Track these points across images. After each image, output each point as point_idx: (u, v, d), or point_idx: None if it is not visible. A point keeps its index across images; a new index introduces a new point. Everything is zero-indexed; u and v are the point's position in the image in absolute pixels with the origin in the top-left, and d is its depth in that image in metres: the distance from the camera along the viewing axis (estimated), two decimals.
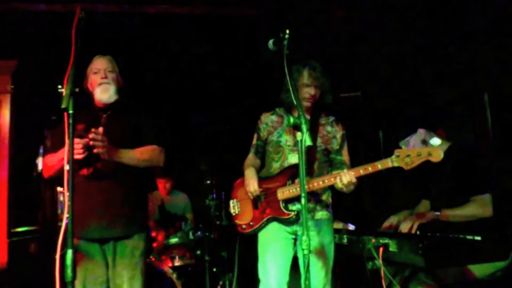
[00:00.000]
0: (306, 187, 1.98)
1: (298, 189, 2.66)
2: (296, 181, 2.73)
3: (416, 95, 4.96)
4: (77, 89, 1.87)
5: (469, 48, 4.20)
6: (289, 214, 2.70)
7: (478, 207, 2.78)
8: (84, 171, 2.66)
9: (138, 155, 2.72)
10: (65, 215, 1.81)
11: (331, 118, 2.95)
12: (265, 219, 2.79)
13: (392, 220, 3.14)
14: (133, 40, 4.42)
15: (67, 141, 1.85)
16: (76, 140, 2.49)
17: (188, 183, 5.19)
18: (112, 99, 2.80)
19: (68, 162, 1.83)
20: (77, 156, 2.50)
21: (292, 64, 2.74)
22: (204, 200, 4.22)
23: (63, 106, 1.83)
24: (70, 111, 1.84)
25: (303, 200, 1.94)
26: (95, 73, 2.82)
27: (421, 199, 3.29)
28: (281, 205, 2.74)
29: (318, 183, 2.63)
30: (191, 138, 5.61)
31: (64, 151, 2.49)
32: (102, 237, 2.69)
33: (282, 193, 2.73)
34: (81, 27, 2.04)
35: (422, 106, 4.75)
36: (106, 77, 2.79)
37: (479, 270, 2.63)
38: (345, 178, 2.49)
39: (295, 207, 2.75)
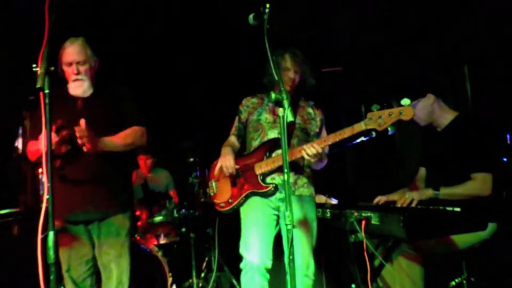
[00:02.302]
0: (281, 160, 1.97)
1: (275, 162, 2.68)
2: (274, 154, 2.75)
3: (397, 69, 4.99)
4: (52, 68, 1.82)
5: (448, 23, 4.22)
6: (267, 187, 2.71)
7: (478, 186, 2.72)
8: (62, 161, 2.62)
9: (122, 141, 2.69)
10: (45, 197, 1.78)
11: (311, 103, 2.99)
12: (243, 195, 2.79)
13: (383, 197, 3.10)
14: (108, 14, 4.30)
15: (43, 124, 1.80)
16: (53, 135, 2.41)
17: (170, 160, 5.15)
18: (87, 94, 2.74)
19: (46, 145, 1.79)
20: (56, 150, 2.47)
21: (274, 50, 2.75)
22: (187, 178, 4.19)
23: (38, 86, 1.79)
24: (46, 91, 1.80)
25: (285, 176, 1.94)
26: (68, 65, 2.72)
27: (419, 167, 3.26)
28: (259, 178, 2.74)
29: (295, 155, 2.63)
30: (173, 114, 5.56)
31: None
32: (87, 219, 2.68)
33: (260, 167, 2.74)
34: (54, 3, 1.97)
35: (403, 80, 4.79)
36: (78, 73, 2.71)
37: (461, 240, 2.68)
38: (309, 150, 2.52)
39: (273, 180, 2.76)
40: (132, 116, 2.80)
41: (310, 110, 2.94)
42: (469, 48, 4.10)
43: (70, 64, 2.70)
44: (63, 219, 2.65)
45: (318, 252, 3.76)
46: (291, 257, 1.92)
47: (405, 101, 2.33)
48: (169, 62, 5.19)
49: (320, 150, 2.53)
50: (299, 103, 2.93)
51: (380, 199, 3.03)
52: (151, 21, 4.61)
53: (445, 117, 2.97)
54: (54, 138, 2.41)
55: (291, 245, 1.91)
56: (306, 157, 2.57)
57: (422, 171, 3.20)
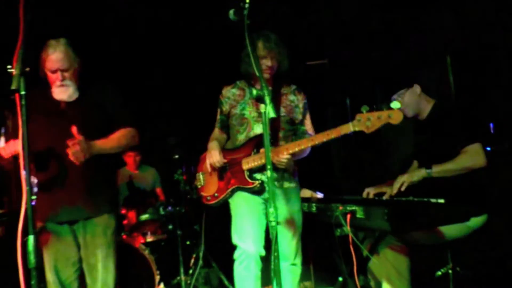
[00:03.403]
0: (271, 159, 1.96)
1: (262, 158, 2.67)
2: (261, 150, 2.73)
3: (382, 62, 5.00)
4: (27, 69, 1.78)
5: (432, 12, 4.23)
6: (253, 183, 2.71)
7: (470, 158, 2.70)
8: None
9: (116, 143, 2.68)
10: (24, 200, 1.75)
11: (293, 87, 2.95)
12: (229, 189, 2.79)
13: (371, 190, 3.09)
14: (91, 13, 4.24)
15: (20, 128, 1.77)
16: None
17: (156, 157, 5.12)
18: (72, 98, 2.69)
19: (23, 148, 1.75)
20: None
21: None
22: (173, 175, 4.17)
23: (13, 87, 1.75)
24: (22, 92, 1.76)
25: (269, 172, 1.93)
26: (52, 72, 2.65)
27: (412, 160, 3.25)
28: (246, 174, 2.74)
29: (282, 153, 2.63)
30: (158, 112, 5.52)
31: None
32: (71, 219, 2.65)
33: (247, 163, 2.73)
34: (30, 2, 1.92)
35: (388, 71, 4.80)
36: (63, 79, 2.65)
37: (449, 232, 2.69)
38: (293, 151, 2.57)
39: (260, 176, 2.75)
40: (124, 118, 2.77)
41: (293, 97, 2.90)
42: (451, 39, 4.11)
43: (54, 71, 2.65)
44: (47, 219, 2.63)
45: (306, 246, 3.79)
46: (275, 253, 1.92)
47: (395, 104, 2.32)
48: (153, 59, 5.14)
49: (303, 147, 2.53)
50: (281, 91, 2.89)
51: (368, 191, 3.03)
52: (134, 18, 4.54)
53: (427, 106, 2.99)
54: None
55: (275, 242, 1.91)
56: (289, 156, 2.59)
57: (415, 164, 3.20)
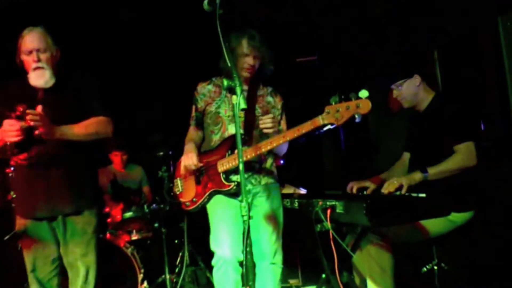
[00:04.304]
0: (244, 156, 1.92)
1: (236, 159, 2.60)
2: (236, 151, 2.67)
3: (370, 55, 4.97)
4: None
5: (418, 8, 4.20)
6: (229, 186, 2.65)
7: (463, 157, 2.65)
8: (25, 154, 2.55)
9: (83, 129, 2.60)
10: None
11: (270, 89, 2.90)
12: (207, 193, 2.73)
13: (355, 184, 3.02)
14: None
15: None
16: (10, 122, 2.39)
17: (140, 155, 5.06)
18: (49, 84, 2.63)
19: None
20: (13, 139, 2.40)
21: (231, 33, 2.69)
22: (157, 172, 4.11)
23: None
24: None
25: (240, 166, 1.88)
26: (28, 53, 2.61)
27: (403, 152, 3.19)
28: (222, 177, 2.68)
29: (255, 151, 2.57)
30: (141, 109, 5.47)
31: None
32: (50, 215, 2.61)
33: (222, 165, 2.67)
34: None
35: (377, 66, 4.77)
36: (39, 60, 2.59)
37: (433, 228, 2.65)
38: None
39: (236, 177, 2.69)
40: (96, 106, 2.70)
41: (270, 98, 2.87)
42: (439, 32, 4.08)
43: (30, 52, 2.59)
44: (27, 215, 2.60)
45: (292, 243, 3.75)
46: (248, 249, 1.87)
47: (363, 93, 2.23)
48: (137, 56, 5.08)
49: (276, 145, 2.50)
50: (257, 91, 2.84)
51: (352, 185, 2.98)
52: (118, 12, 4.49)
53: (427, 98, 2.92)
54: (16, 125, 2.36)
55: (247, 237, 1.86)
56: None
57: (405, 156, 3.13)
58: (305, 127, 2.38)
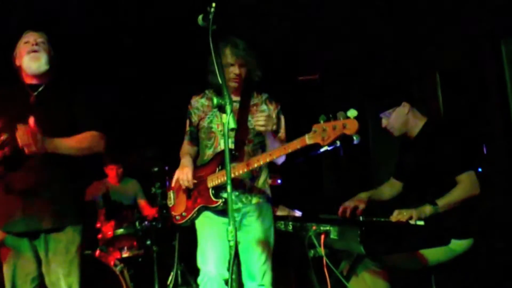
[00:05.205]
0: (232, 173, 1.83)
1: (225, 175, 2.52)
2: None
3: (372, 77, 4.93)
4: None
5: (421, 29, 4.17)
6: (216, 202, 2.57)
7: (468, 187, 2.59)
8: (5, 166, 2.47)
9: (76, 144, 2.53)
10: None
11: (264, 96, 2.80)
12: (196, 209, 2.66)
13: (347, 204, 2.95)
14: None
15: None
16: None
17: (134, 170, 5.00)
18: (43, 68, 2.57)
19: None
20: None
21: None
22: (150, 188, 4.03)
23: None
24: None
25: (229, 188, 1.80)
26: (25, 43, 2.60)
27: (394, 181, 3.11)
28: (211, 192, 2.60)
29: (242, 169, 2.48)
30: (136, 123, 5.41)
31: None
32: (29, 230, 2.50)
33: (212, 181, 2.59)
34: None
35: (377, 87, 4.72)
36: (37, 44, 2.58)
37: (432, 257, 2.55)
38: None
39: (225, 194, 2.60)
40: (89, 120, 2.64)
41: (264, 107, 2.76)
42: (441, 56, 4.04)
43: (28, 41, 2.59)
44: (5, 226, 2.51)
45: (287, 266, 3.65)
46: (233, 276, 1.77)
47: (352, 113, 2.10)
48: (133, 70, 5.06)
49: (262, 163, 2.42)
50: (250, 101, 2.75)
51: (345, 206, 2.88)
52: (116, 25, 4.47)
53: (417, 124, 2.85)
54: None
55: (233, 263, 1.76)
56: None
57: (393, 183, 3.06)
58: (291, 146, 2.28)
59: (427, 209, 2.54)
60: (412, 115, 2.83)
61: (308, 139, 2.19)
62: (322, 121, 2.12)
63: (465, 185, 2.60)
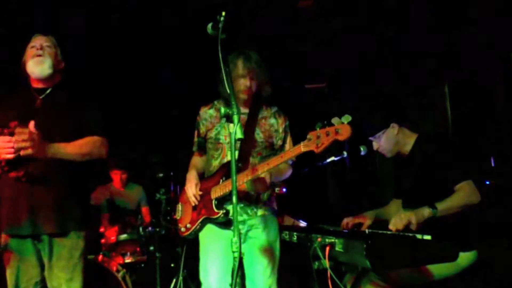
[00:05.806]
0: (237, 184, 1.81)
1: (227, 186, 2.50)
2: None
3: (379, 87, 4.92)
4: None
5: (430, 41, 4.16)
6: (217, 213, 2.54)
7: (467, 194, 2.55)
8: (14, 173, 2.44)
9: (77, 149, 2.51)
10: None
11: (274, 109, 2.78)
12: (199, 221, 2.63)
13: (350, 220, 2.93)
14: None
15: None
16: (4, 138, 2.31)
17: (140, 175, 4.99)
18: (46, 72, 2.57)
19: None
20: (6, 156, 2.31)
21: (227, 54, 2.59)
22: (154, 194, 4.02)
23: None
24: None
25: (234, 198, 1.78)
26: (31, 47, 2.60)
27: (392, 198, 3.10)
28: (213, 204, 2.57)
29: (242, 179, 2.44)
30: (143, 129, 5.41)
31: None
32: (34, 233, 2.49)
33: (215, 192, 2.57)
34: None
35: (385, 98, 4.70)
36: (41, 49, 2.58)
37: (437, 271, 2.51)
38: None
39: (230, 207, 2.57)
40: (93, 125, 2.63)
41: (273, 120, 2.74)
42: (450, 66, 4.02)
43: (34, 45, 2.59)
44: (9, 230, 2.51)
45: (291, 277, 3.61)
46: None
47: (346, 118, 2.05)
48: (139, 76, 5.06)
49: (260, 172, 2.38)
50: (259, 113, 2.73)
51: (347, 221, 2.87)
52: (122, 30, 4.48)
53: (409, 142, 2.84)
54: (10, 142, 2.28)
55: (236, 275, 1.73)
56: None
57: (397, 202, 3.02)
58: (287, 155, 2.26)
59: (426, 212, 2.50)
60: (402, 135, 2.83)
61: (303, 147, 2.15)
62: (318, 128, 2.09)
63: (464, 192, 2.56)
